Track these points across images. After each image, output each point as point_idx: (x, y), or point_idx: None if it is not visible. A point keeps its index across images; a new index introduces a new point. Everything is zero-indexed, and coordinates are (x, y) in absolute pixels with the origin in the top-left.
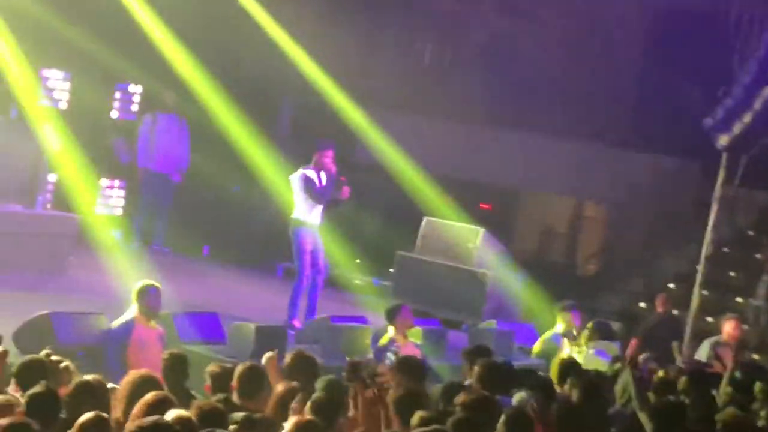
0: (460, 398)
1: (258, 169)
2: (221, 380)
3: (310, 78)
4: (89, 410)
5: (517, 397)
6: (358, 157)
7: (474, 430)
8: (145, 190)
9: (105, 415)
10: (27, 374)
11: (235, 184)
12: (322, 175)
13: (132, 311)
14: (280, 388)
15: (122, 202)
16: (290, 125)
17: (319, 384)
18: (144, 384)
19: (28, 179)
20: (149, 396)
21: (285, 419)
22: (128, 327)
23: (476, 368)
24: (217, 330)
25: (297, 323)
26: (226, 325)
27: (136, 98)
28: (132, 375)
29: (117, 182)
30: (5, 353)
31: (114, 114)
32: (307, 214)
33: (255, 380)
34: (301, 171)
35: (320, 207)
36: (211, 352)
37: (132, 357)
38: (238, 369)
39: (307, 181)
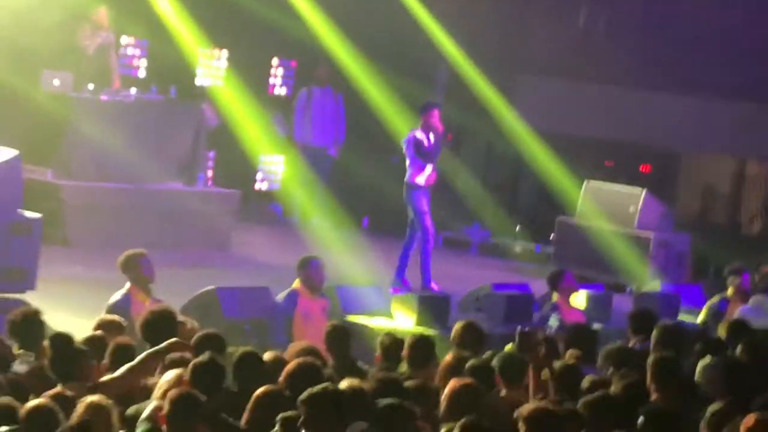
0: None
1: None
2: (392, 350)
3: (463, 46)
4: (255, 382)
5: (702, 363)
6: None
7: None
8: (304, 164)
9: (279, 388)
10: (205, 346)
11: (392, 155)
12: (431, 135)
13: (295, 284)
14: (448, 357)
15: (281, 176)
16: (444, 94)
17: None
18: (306, 356)
19: (189, 157)
20: (291, 365)
21: None
22: (292, 300)
23: (654, 331)
24: (380, 300)
25: (434, 285)
26: (388, 296)
27: (292, 73)
28: (294, 347)
29: (276, 157)
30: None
31: (271, 89)
32: (418, 177)
33: (425, 350)
34: (409, 133)
35: (431, 168)
36: (374, 323)
37: (297, 329)
38: (409, 339)
39: (417, 142)
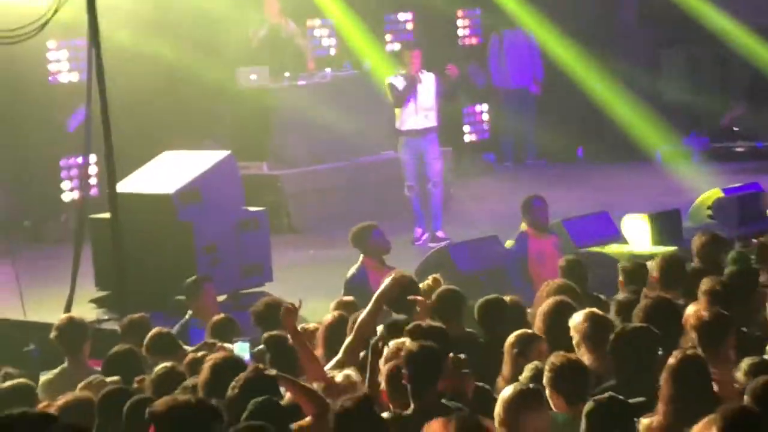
0: None
1: (607, 59)
2: (635, 275)
3: None
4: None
5: None
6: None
7: None
8: (508, 108)
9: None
10: (445, 303)
11: (593, 84)
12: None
13: (522, 227)
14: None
15: (488, 125)
16: (635, 10)
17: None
18: (560, 292)
19: (394, 124)
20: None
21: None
22: (523, 242)
23: None
24: (610, 227)
25: (440, 234)
26: (617, 220)
27: (479, 21)
28: (545, 286)
29: (479, 106)
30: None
31: (459, 42)
32: (403, 123)
33: (676, 270)
34: (386, 79)
35: (420, 111)
36: (609, 249)
37: (533, 271)
38: (658, 260)
39: (390, 88)
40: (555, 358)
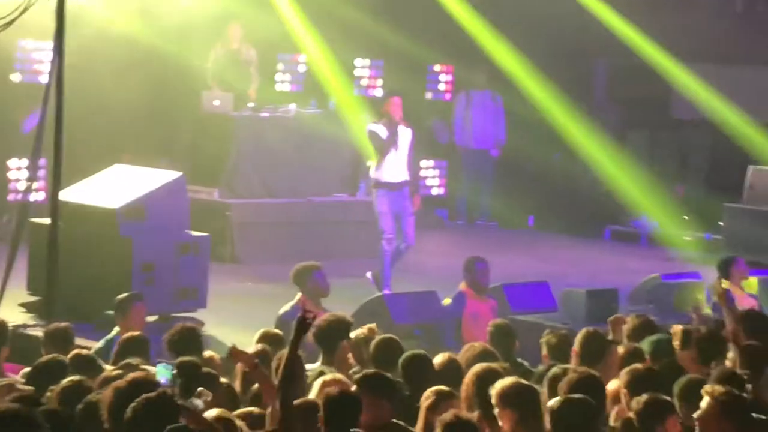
0: None
1: (575, 136)
2: (558, 348)
3: (622, 38)
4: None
5: None
6: (675, 113)
7: None
8: (466, 167)
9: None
10: (383, 352)
11: (554, 152)
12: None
13: (462, 286)
14: (621, 350)
15: (444, 181)
16: (606, 88)
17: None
18: (480, 358)
19: (350, 168)
20: (477, 367)
21: None
22: (460, 302)
23: None
24: (548, 298)
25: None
26: (556, 292)
27: (448, 79)
28: (467, 349)
29: (439, 162)
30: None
31: (428, 96)
32: (381, 173)
33: (597, 345)
34: (367, 126)
35: (398, 163)
36: (543, 320)
37: (466, 331)
38: (579, 335)
39: (372, 136)
40: (447, 415)
